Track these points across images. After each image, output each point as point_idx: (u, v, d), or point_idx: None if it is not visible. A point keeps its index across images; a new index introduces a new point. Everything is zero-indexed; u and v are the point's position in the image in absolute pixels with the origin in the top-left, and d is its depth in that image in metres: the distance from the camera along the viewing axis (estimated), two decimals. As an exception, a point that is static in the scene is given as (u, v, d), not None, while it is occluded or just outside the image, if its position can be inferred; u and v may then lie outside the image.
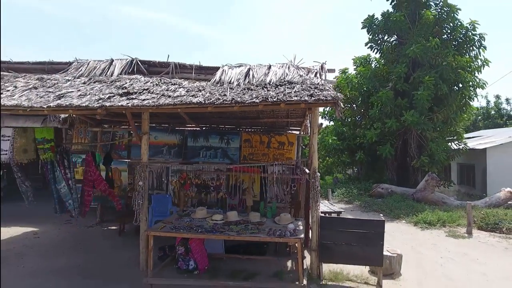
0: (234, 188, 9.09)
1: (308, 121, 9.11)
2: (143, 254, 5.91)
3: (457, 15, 15.44)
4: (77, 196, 6.06)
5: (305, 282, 5.03)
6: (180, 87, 5.17)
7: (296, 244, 5.08)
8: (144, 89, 4.98)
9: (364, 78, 16.22)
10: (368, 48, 16.24)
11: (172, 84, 5.29)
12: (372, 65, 16.88)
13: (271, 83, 5.24)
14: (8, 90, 5.03)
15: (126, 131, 10.45)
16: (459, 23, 15.31)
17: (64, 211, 6.29)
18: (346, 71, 19.91)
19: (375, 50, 16.45)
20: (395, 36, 16.47)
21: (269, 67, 5.71)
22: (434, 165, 15.11)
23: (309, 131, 10.66)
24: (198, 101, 4.48)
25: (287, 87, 5.01)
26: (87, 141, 10.23)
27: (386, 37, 16.31)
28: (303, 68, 5.73)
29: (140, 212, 5.88)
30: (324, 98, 4.40)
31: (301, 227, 5.55)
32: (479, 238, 8.85)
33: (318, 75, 5.54)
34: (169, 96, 4.76)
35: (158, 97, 4.72)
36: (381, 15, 15.94)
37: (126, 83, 5.23)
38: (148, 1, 72.08)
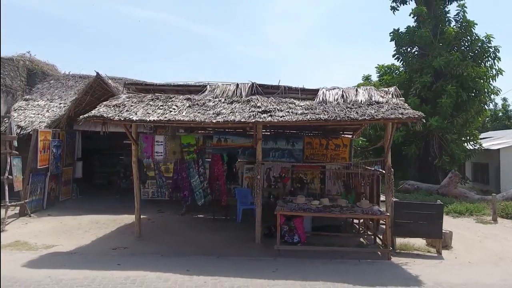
0: (300, 182, 11.08)
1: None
2: (258, 231, 7.78)
3: (474, 29, 17.32)
4: (206, 187, 7.91)
5: (391, 248, 6.93)
6: (297, 106, 7.03)
7: (384, 220, 6.96)
8: (274, 108, 6.84)
9: (388, 86, 18.09)
10: (395, 59, 18.15)
11: (289, 103, 7.15)
12: (396, 73, 18.78)
13: (362, 103, 7.11)
14: (174, 109, 6.87)
15: (201, 135, 12.35)
16: (476, 37, 17.18)
17: (195, 201, 8.14)
18: (369, 77, 21.97)
19: (401, 61, 18.34)
20: (416, 48, 18.35)
21: (356, 89, 7.58)
22: (454, 164, 17.01)
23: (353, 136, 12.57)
24: (324, 117, 6.35)
25: (377, 106, 6.88)
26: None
27: (409, 49, 18.20)
28: (382, 90, 7.61)
29: (257, 198, 7.74)
30: (413, 116, 6.28)
31: (382, 209, 7.44)
32: (504, 224, 10.72)
33: (393, 96, 7.42)
34: (296, 114, 6.63)
35: (289, 114, 6.59)
36: (405, 29, 17.81)
37: (257, 103, 7.08)
38: (148, 1, 73.54)
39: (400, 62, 18.34)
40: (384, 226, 7.97)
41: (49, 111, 12.61)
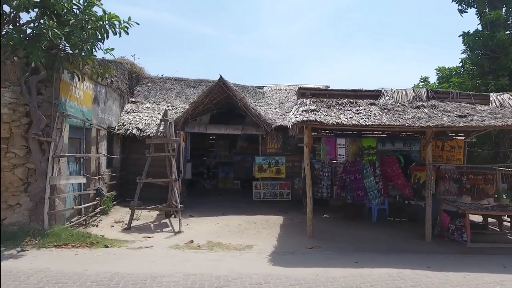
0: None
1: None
2: (428, 229, 8.14)
3: (542, 32, 17.84)
4: (381, 188, 8.28)
5: None
6: (482, 111, 7.43)
7: None
8: (467, 113, 7.23)
9: (459, 88, 18.56)
10: (469, 61, 18.64)
11: (471, 108, 7.55)
12: (463, 76, 19.28)
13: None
14: (370, 114, 7.21)
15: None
16: (545, 40, 17.67)
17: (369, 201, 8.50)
18: (427, 79, 22.50)
19: (469, 63, 18.82)
20: (483, 50, 18.83)
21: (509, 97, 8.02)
22: (524, 164, 17.55)
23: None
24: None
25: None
26: (279, 145, 12.58)
27: (480, 52, 18.67)
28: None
29: (427, 198, 8.08)
30: None
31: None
32: None
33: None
34: (494, 118, 7.03)
35: (488, 118, 6.98)
36: (474, 33, 18.29)
37: (445, 108, 7.46)
38: (149, 1, 72.74)
39: (472, 65, 18.80)
40: None
41: (160, 113, 12.85)
